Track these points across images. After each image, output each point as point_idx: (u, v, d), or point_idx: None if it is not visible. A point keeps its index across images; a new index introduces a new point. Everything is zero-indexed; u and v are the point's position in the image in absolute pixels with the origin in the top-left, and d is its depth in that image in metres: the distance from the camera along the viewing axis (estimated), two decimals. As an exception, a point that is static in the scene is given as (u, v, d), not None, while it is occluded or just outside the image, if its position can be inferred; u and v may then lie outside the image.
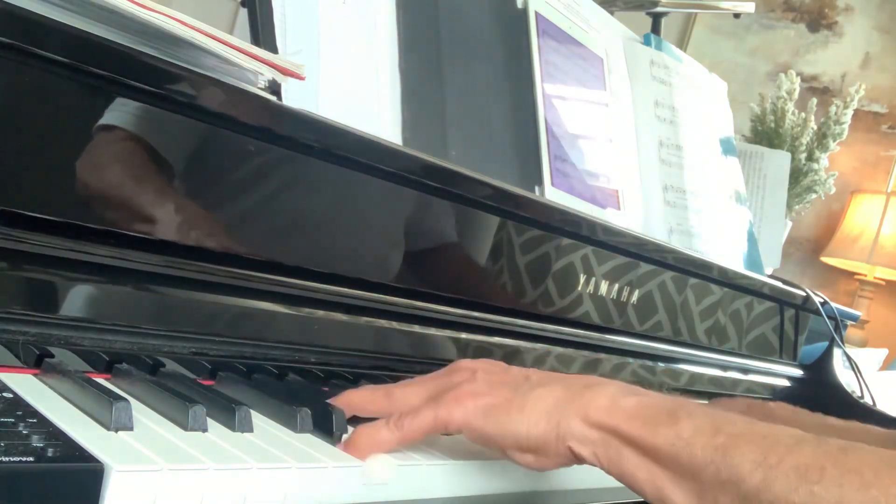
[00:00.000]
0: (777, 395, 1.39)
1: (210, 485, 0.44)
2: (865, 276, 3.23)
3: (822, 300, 1.43)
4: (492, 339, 0.89)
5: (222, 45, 0.63)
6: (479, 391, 0.57)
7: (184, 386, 0.57)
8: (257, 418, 0.55)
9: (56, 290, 0.58)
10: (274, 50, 0.75)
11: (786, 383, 1.44)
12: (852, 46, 3.47)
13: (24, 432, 0.41)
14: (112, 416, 0.46)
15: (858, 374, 1.49)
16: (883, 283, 3.23)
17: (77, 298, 0.59)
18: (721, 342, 1.26)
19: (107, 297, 0.61)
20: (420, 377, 0.62)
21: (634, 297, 1.06)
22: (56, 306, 0.58)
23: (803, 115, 2.00)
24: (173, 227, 0.62)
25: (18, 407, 0.45)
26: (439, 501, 0.57)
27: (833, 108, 2.05)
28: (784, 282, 1.39)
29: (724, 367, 1.30)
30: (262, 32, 0.76)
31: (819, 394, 1.42)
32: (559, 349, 0.98)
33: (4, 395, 0.47)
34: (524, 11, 1.06)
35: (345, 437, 0.56)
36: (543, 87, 1.04)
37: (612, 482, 0.56)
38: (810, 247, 3.43)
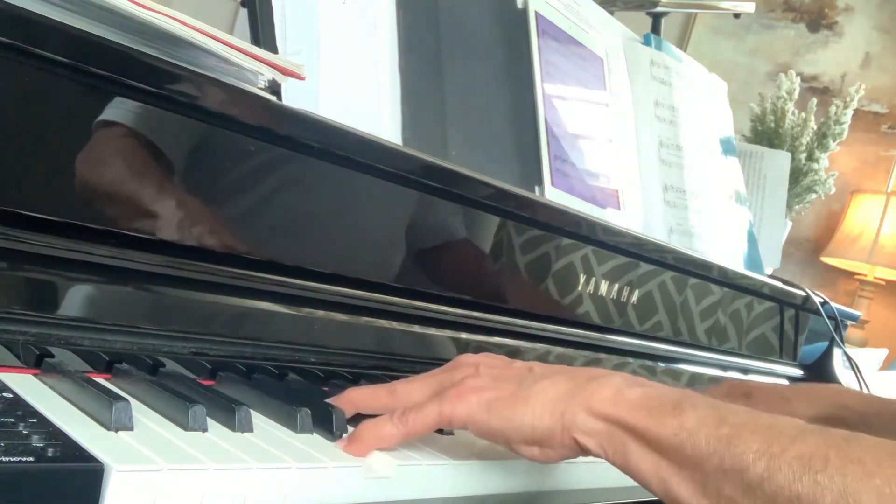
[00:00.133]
0: (777, 395, 1.39)
1: (210, 485, 0.44)
2: (865, 276, 3.23)
3: (822, 300, 1.43)
4: (492, 338, 0.89)
5: (222, 45, 0.63)
6: (483, 385, 0.57)
7: (184, 386, 0.57)
8: (257, 418, 0.55)
9: (56, 290, 0.58)
10: (274, 50, 0.75)
11: (786, 383, 1.44)
12: (852, 46, 3.47)
13: (24, 432, 0.41)
14: (112, 416, 0.46)
15: (858, 374, 1.49)
16: (883, 283, 3.23)
17: (77, 298, 0.59)
18: (721, 342, 1.26)
19: (107, 297, 0.61)
20: (422, 374, 0.62)
21: (634, 297, 1.06)
22: (56, 306, 0.58)
23: (803, 115, 2.00)
24: (173, 227, 0.62)
25: (18, 407, 0.45)
26: (439, 501, 0.57)
27: (833, 108, 2.05)
28: (784, 282, 1.39)
29: (725, 367, 1.30)
30: (262, 32, 0.76)
31: (819, 394, 1.42)
32: (559, 349, 0.98)
33: (4, 395, 0.47)
34: (524, 11, 1.06)
35: (345, 436, 0.56)
36: (543, 87, 1.04)
37: (612, 482, 0.56)
38: (810, 247, 3.43)
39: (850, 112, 2.05)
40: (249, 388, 0.61)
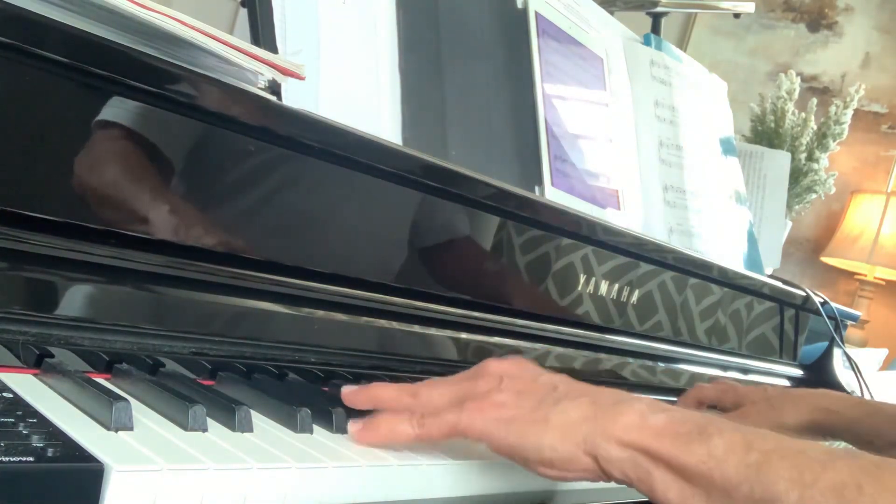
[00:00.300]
0: (777, 395, 1.39)
1: (210, 485, 0.44)
2: (865, 276, 3.23)
3: (822, 300, 1.43)
4: (492, 339, 0.89)
5: (222, 45, 0.63)
6: (504, 402, 0.57)
7: (184, 386, 0.57)
8: (257, 418, 0.55)
9: (56, 289, 0.58)
10: (274, 50, 0.75)
11: (786, 383, 1.44)
12: (852, 46, 3.47)
13: (24, 432, 0.41)
14: (112, 416, 0.46)
15: (858, 374, 1.49)
16: (883, 283, 3.23)
17: (77, 298, 0.59)
18: (721, 342, 1.26)
19: (107, 297, 0.61)
20: (447, 378, 0.62)
21: (634, 297, 1.06)
22: (56, 306, 0.58)
23: (803, 115, 2.00)
24: (173, 227, 0.62)
25: (18, 407, 0.45)
26: (439, 501, 0.57)
27: (833, 108, 2.05)
28: (784, 282, 1.39)
29: (724, 367, 1.30)
30: (262, 32, 0.76)
31: (819, 394, 1.42)
32: (559, 349, 0.98)
33: (4, 395, 0.47)
34: (524, 11, 1.06)
35: (360, 420, 0.57)
36: (543, 87, 1.04)
37: (612, 483, 0.56)
38: (810, 247, 3.43)
39: (850, 112, 2.05)
40: (249, 388, 0.61)
